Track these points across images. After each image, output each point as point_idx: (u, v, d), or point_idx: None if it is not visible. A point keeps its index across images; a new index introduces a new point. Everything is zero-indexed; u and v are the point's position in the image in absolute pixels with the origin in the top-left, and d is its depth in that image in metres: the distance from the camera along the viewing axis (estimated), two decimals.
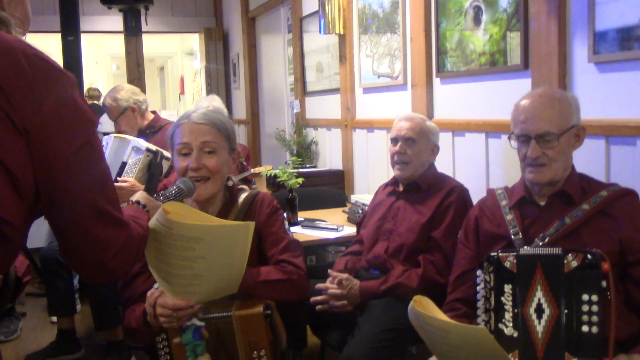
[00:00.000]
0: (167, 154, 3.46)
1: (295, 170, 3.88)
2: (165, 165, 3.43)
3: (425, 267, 2.45)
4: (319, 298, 2.48)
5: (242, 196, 2.11)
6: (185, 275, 1.62)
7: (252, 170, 3.94)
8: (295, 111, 5.27)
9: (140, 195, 1.67)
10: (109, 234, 1.20)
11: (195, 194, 1.95)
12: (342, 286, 2.47)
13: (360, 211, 3.32)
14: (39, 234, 5.27)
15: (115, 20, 6.07)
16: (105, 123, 4.85)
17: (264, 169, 3.92)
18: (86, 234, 1.17)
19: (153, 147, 3.35)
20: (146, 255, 1.62)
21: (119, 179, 3.29)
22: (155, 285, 1.74)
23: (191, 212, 1.69)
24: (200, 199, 2.00)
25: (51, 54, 1.17)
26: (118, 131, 3.66)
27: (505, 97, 2.82)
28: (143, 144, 3.35)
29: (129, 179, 3.28)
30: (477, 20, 2.96)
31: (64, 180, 1.13)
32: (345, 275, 2.51)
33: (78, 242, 1.18)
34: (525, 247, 1.85)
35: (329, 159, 4.78)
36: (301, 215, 3.47)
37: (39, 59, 1.10)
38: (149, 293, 1.77)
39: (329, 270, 2.53)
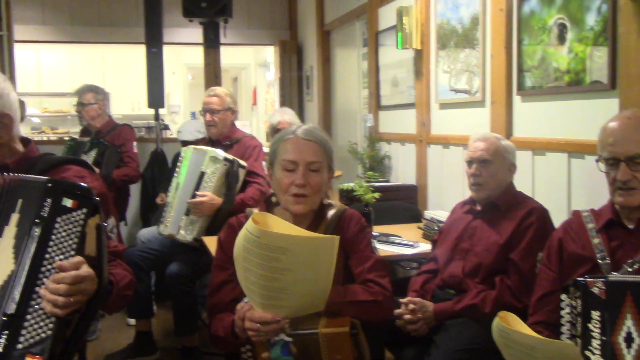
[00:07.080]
0: (242, 162, 3.57)
1: (370, 185, 3.89)
2: (242, 174, 3.54)
3: (501, 290, 2.41)
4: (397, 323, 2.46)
5: (331, 212, 2.11)
6: (271, 287, 1.65)
7: None
8: (368, 125, 5.28)
9: None
10: None
11: (292, 208, 1.98)
12: (414, 313, 2.43)
13: (436, 228, 3.29)
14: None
15: (195, 32, 6.24)
16: (185, 132, 5.00)
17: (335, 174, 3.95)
18: None
19: (230, 157, 3.49)
20: (235, 266, 1.67)
21: (197, 193, 3.41)
22: (246, 299, 1.78)
23: (279, 222, 1.71)
24: (297, 214, 2.00)
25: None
26: (207, 122, 3.85)
27: (590, 117, 2.76)
28: (221, 153, 3.49)
29: (206, 192, 3.40)
30: (561, 38, 2.91)
31: None
32: (417, 300, 2.47)
33: None
34: (614, 273, 1.80)
35: (402, 173, 4.77)
36: (375, 230, 3.47)
37: None
38: (238, 306, 1.80)
39: (400, 300, 2.49)
